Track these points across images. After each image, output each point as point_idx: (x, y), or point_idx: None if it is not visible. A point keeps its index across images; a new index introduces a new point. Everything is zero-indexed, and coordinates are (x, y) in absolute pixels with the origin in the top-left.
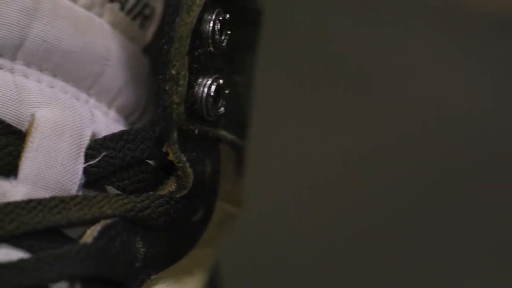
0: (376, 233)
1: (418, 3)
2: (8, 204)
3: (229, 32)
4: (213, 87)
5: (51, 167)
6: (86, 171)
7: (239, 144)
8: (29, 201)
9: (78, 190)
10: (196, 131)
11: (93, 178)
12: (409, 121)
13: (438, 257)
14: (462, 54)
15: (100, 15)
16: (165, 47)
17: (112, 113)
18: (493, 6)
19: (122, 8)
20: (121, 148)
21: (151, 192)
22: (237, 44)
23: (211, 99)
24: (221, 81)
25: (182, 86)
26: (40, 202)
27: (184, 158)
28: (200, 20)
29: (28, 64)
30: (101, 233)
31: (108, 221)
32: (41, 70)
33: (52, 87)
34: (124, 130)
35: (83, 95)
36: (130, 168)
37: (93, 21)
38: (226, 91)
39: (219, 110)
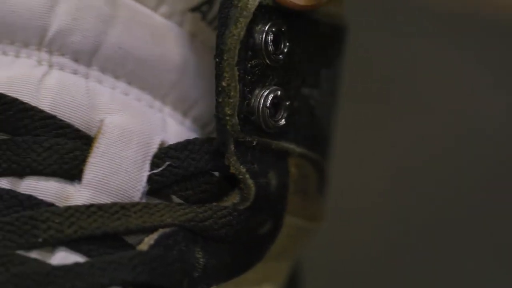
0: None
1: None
2: (68, 208)
3: (288, 43)
4: (269, 98)
5: (115, 174)
6: (150, 179)
7: (313, 158)
8: (90, 206)
9: (141, 198)
10: (255, 143)
11: (156, 187)
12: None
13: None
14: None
15: (180, 24)
16: (217, 59)
17: (188, 122)
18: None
19: (203, 18)
20: (185, 158)
21: (214, 203)
22: (308, 57)
23: (267, 110)
24: (279, 93)
25: (233, 97)
26: (100, 207)
27: (244, 170)
28: (251, 32)
29: (103, 70)
30: (158, 242)
31: (167, 229)
32: (116, 77)
33: (126, 94)
34: (189, 140)
35: (157, 103)
36: (194, 179)
37: (172, 29)
38: (287, 103)
39: (279, 122)
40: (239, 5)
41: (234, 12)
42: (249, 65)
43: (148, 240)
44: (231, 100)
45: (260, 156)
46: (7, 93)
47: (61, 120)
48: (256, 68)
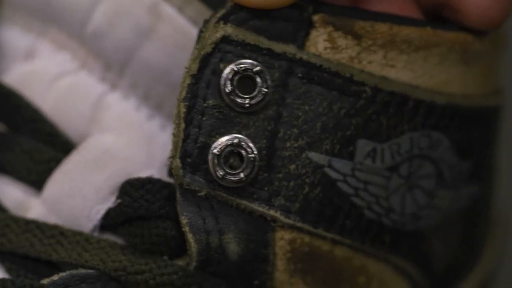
0: None
1: None
2: (9, 218)
3: (266, 90)
4: (219, 146)
5: (71, 197)
6: (107, 214)
7: (330, 237)
8: (31, 221)
9: (92, 230)
10: (203, 193)
11: (108, 223)
12: None
13: None
14: None
15: None
16: None
17: None
18: None
19: None
20: (138, 197)
21: (165, 258)
22: (331, 121)
23: (216, 159)
24: (239, 142)
25: (176, 136)
26: (40, 226)
27: (184, 221)
28: (212, 68)
29: (134, 85)
30: (61, 281)
31: (84, 271)
32: (146, 97)
33: (149, 120)
34: (151, 178)
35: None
36: (145, 223)
37: None
38: (253, 156)
39: (234, 176)
40: (202, 35)
41: (197, 43)
42: (205, 104)
43: (55, 277)
44: (174, 139)
45: (215, 212)
46: (19, 85)
47: (52, 126)
48: (215, 110)
